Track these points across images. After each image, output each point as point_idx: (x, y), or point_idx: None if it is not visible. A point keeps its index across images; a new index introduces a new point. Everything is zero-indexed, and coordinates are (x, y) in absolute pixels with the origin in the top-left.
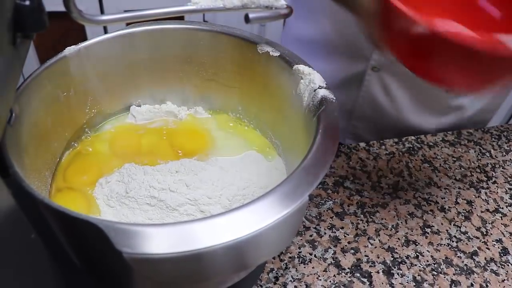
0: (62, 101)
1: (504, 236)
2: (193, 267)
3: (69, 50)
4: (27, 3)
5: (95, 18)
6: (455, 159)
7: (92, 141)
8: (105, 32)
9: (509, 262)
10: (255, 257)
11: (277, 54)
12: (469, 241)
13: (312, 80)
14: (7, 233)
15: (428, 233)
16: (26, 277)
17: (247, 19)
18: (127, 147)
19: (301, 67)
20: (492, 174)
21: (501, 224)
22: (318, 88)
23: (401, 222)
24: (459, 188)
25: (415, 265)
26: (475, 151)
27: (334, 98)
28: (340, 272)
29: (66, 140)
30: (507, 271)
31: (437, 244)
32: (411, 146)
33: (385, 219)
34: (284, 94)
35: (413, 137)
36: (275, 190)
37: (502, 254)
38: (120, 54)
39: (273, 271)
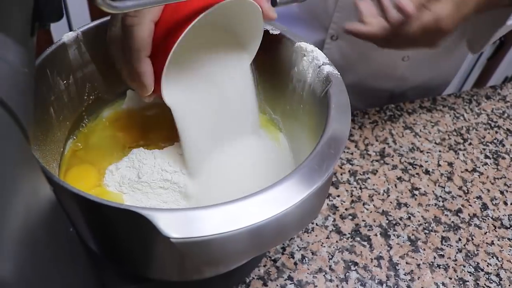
0: (62, 89)
1: (483, 193)
2: (241, 244)
3: (67, 36)
4: None
5: (117, 5)
6: (433, 124)
7: (91, 130)
8: (70, 29)
9: (489, 216)
10: (294, 229)
11: (277, 32)
12: (453, 199)
13: (316, 57)
14: (51, 228)
15: (416, 195)
16: (68, 269)
17: (274, 2)
18: (128, 134)
19: (303, 44)
20: (467, 136)
21: (479, 182)
22: (322, 64)
23: (391, 187)
24: (440, 151)
25: (408, 225)
26: (450, 116)
27: (338, 73)
28: (342, 237)
29: (68, 129)
30: (488, 224)
31: (426, 205)
32: (392, 114)
33: (376, 184)
34: (284, 72)
35: (392, 105)
36: (303, 166)
37: (482, 210)
38: None
39: None
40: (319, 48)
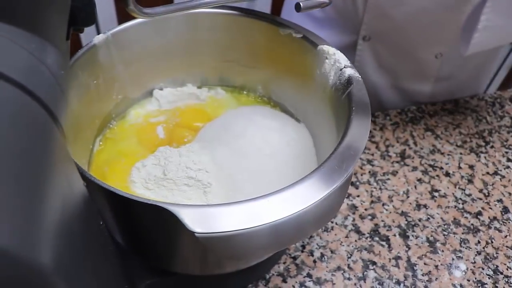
0: (92, 89)
1: (504, 196)
2: (261, 240)
3: (98, 38)
4: None
5: (148, 11)
6: (454, 126)
7: (119, 129)
8: (98, 31)
9: (510, 220)
10: (313, 227)
11: (300, 35)
12: (473, 202)
13: (338, 60)
14: (84, 221)
15: (436, 197)
16: (99, 260)
17: (298, 7)
18: (150, 138)
19: (325, 47)
20: (489, 139)
21: (501, 185)
22: (344, 67)
23: (411, 188)
24: (461, 153)
25: (427, 227)
26: (472, 118)
27: (359, 76)
28: (361, 237)
29: (96, 127)
30: (509, 228)
31: (445, 207)
32: (413, 115)
33: (396, 185)
34: (307, 74)
35: (414, 107)
36: (323, 166)
37: (503, 213)
38: (143, 39)
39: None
40: (351, 51)
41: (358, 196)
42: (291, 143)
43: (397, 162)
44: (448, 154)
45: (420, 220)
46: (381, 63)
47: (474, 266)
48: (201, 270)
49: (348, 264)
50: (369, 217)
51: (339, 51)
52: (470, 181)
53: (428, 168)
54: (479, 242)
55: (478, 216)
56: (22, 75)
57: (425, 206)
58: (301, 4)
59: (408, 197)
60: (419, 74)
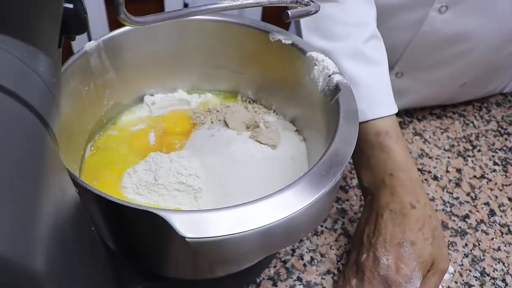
0: (84, 96)
1: (491, 199)
2: (252, 244)
3: (89, 45)
4: (72, 6)
5: (138, 19)
6: (442, 130)
7: (110, 135)
8: (89, 38)
9: (497, 222)
10: (302, 231)
11: (289, 42)
12: (461, 205)
13: (326, 66)
14: (77, 227)
15: None
16: (91, 265)
17: (287, 16)
18: (141, 144)
19: (314, 54)
20: (477, 143)
21: (488, 188)
22: (333, 73)
23: None
24: (448, 157)
25: None
26: (459, 122)
27: (348, 82)
28: (350, 240)
29: (88, 133)
30: (495, 230)
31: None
32: (402, 120)
33: None
34: (296, 79)
35: (403, 112)
36: (312, 172)
37: (490, 216)
38: (134, 46)
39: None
40: None
41: (347, 200)
42: (281, 149)
43: None
44: (436, 158)
45: None
46: (405, 92)
47: (461, 269)
48: (193, 275)
49: (338, 268)
50: (358, 220)
51: (327, 58)
52: (457, 185)
53: None
54: (466, 244)
55: (466, 219)
56: (14, 83)
57: None
58: (289, 13)
59: None
60: (441, 99)
